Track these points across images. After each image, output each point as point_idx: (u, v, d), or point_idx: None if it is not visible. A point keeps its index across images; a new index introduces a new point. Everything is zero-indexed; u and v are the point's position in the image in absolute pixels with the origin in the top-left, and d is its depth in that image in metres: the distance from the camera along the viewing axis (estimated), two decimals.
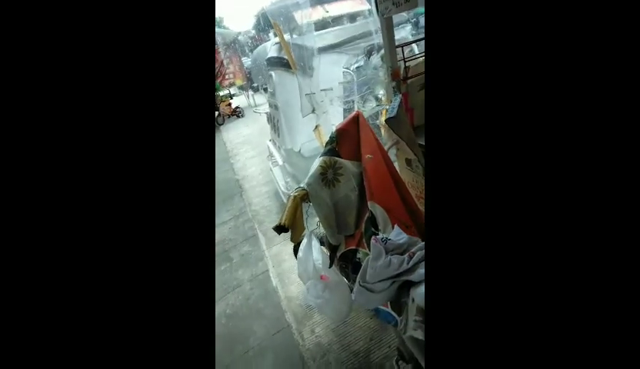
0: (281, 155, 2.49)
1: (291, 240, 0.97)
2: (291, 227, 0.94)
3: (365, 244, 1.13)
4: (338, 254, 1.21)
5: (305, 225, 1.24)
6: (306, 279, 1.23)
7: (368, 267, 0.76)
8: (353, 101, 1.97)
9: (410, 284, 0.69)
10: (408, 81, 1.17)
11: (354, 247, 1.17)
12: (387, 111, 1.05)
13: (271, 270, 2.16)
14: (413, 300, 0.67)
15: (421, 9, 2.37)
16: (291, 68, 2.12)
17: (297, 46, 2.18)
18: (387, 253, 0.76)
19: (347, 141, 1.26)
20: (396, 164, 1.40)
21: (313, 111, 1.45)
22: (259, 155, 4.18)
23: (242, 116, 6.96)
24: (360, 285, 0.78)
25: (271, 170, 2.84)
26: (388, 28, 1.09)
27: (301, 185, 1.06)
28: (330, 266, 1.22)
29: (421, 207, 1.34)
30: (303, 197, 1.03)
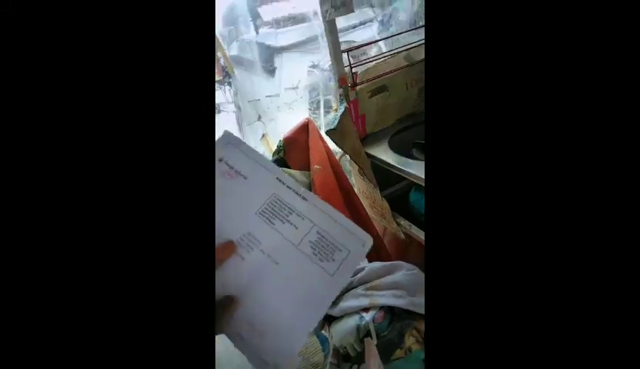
0: None
1: None
2: None
3: None
4: None
5: None
6: None
7: None
8: (318, 101, 1.91)
9: (331, 319, 0.64)
10: (358, 87, 1.11)
11: None
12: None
13: None
14: (332, 337, 0.62)
15: (395, 3, 2.25)
16: (253, 69, 2.03)
17: (259, 45, 2.09)
18: None
19: (296, 150, 1.19)
20: (352, 172, 1.35)
21: (259, 118, 1.38)
22: None
23: (219, 112, 6.76)
24: None
25: None
26: (332, 32, 1.02)
27: None
28: None
29: (375, 216, 1.30)
30: None
